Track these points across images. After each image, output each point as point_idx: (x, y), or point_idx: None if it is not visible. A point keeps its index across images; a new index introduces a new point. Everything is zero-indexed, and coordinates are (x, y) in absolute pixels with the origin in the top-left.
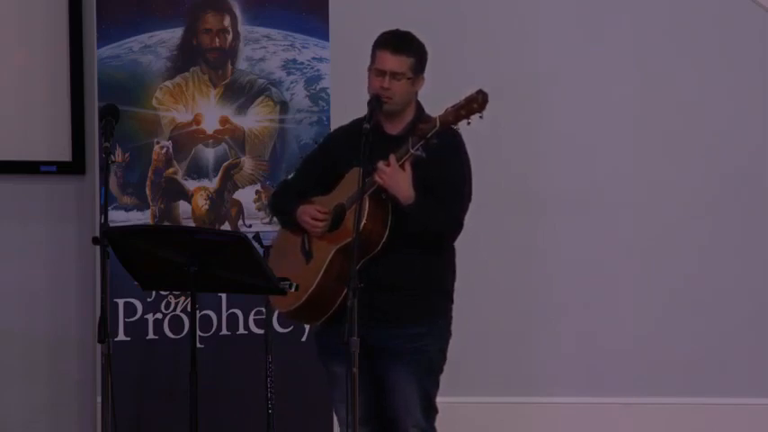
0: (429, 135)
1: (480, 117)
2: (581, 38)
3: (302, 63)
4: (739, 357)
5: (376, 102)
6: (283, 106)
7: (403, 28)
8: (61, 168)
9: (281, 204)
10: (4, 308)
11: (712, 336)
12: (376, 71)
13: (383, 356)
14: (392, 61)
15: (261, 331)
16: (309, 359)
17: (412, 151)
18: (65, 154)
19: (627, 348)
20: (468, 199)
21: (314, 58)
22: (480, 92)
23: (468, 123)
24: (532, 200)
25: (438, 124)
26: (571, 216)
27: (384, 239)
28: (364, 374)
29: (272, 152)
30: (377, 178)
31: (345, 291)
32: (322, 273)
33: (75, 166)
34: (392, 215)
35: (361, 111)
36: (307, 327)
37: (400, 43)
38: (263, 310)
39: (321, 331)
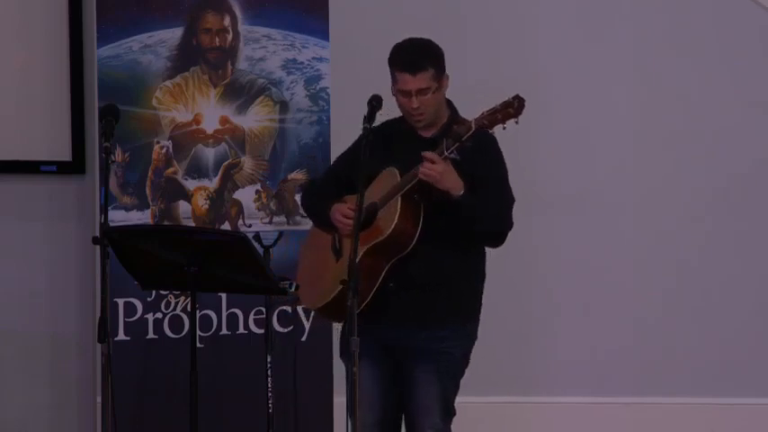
0: (464, 138)
1: (516, 122)
2: (581, 38)
3: (302, 63)
4: (739, 357)
5: (377, 101)
6: (283, 106)
7: (403, 28)
8: (61, 168)
9: (314, 203)
10: (4, 308)
11: (712, 336)
12: (401, 92)
13: (408, 356)
14: (414, 82)
15: (261, 331)
16: (309, 359)
17: (446, 154)
18: (65, 154)
19: (627, 348)
20: (513, 198)
21: (314, 58)
22: (517, 97)
23: (504, 128)
24: (532, 200)
25: (473, 127)
26: (571, 216)
27: (414, 240)
28: (387, 375)
29: (272, 152)
30: (423, 175)
31: (375, 289)
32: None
33: (75, 166)
34: (423, 215)
35: (362, 110)
36: (307, 326)
37: (416, 62)
38: (263, 309)
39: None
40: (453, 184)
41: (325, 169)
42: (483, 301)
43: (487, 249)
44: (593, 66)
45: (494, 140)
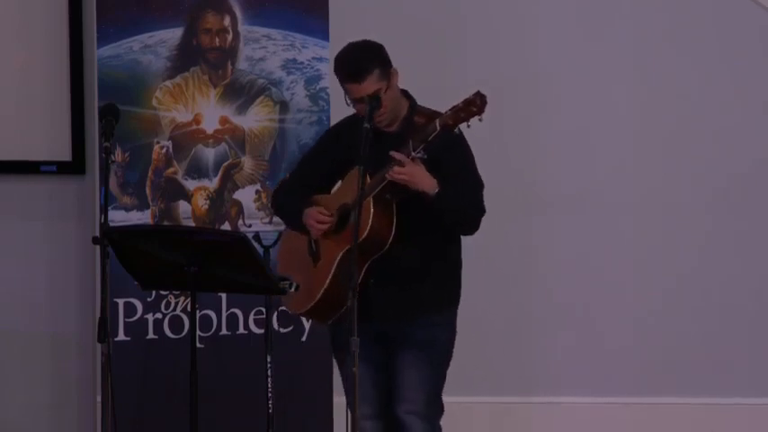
0: (430, 138)
1: (480, 120)
2: (581, 38)
3: (302, 63)
4: (739, 357)
5: (375, 101)
6: (283, 106)
7: (403, 28)
8: (61, 168)
9: (286, 205)
10: (4, 308)
11: (712, 335)
12: (353, 100)
13: (394, 346)
14: (362, 89)
15: (261, 331)
16: (309, 359)
17: (413, 154)
18: (65, 154)
19: (627, 348)
20: (482, 185)
21: (314, 58)
22: (478, 94)
23: (468, 126)
24: (532, 200)
25: (438, 127)
26: (571, 216)
27: (390, 239)
28: (380, 368)
29: (272, 152)
30: (397, 177)
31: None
32: (331, 276)
33: (75, 166)
34: (396, 213)
35: None
36: (307, 326)
37: (359, 68)
38: (263, 309)
39: (334, 329)
40: (427, 184)
41: (292, 171)
42: (482, 302)
43: (489, 249)
44: (593, 65)
45: (458, 134)
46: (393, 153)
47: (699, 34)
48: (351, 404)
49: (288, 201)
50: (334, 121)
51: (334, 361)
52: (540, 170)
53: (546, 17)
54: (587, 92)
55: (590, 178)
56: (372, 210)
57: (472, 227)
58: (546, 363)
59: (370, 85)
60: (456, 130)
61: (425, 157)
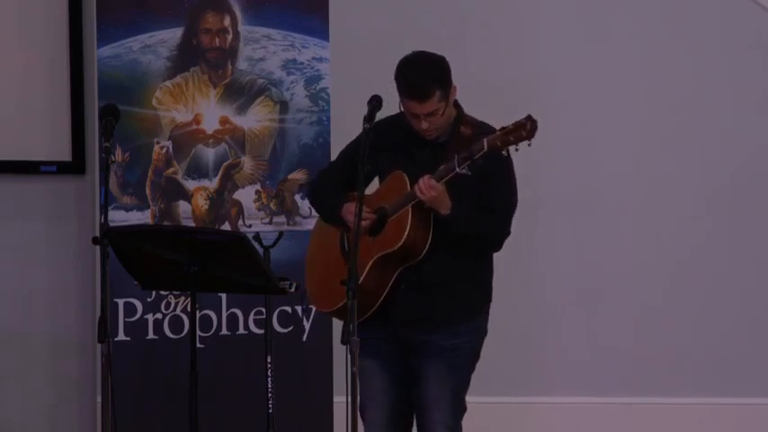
0: (475, 157)
1: (528, 144)
2: (581, 38)
3: (302, 63)
4: (739, 357)
5: (376, 102)
6: (283, 106)
7: (403, 28)
8: (61, 168)
9: (324, 196)
10: (4, 308)
11: (712, 336)
12: (409, 113)
13: (419, 352)
14: (422, 108)
15: (261, 331)
16: (309, 359)
17: (458, 170)
18: (65, 154)
19: (627, 348)
20: (515, 206)
21: (314, 58)
22: (529, 118)
23: (516, 149)
24: (532, 200)
25: (486, 147)
26: (571, 216)
27: (426, 249)
28: (399, 374)
29: (272, 152)
30: (419, 194)
31: (385, 293)
32: (363, 278)
33: (75, 166)
34: (434, 224)
35: (362, 110)
36: (307, 326)
37: (423, 89)
38: (263, 310)
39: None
40: (440, 205)
41: (330, 163)
42: None
43: None
44: (593, 66)
45: (505, 156)
46: (423, 180)
47: (699, 34)
48: (362, 409)
49: (326, 192)
50: (334, 121)
51: (334, 361)
52: (541, 170)
53: (546, 17)
54: (587, 92)
55: (590, 178)
56: (410, 220)
57: (489, 249)
58: (546, 363)
59: (431, 105)
60: (504, 152)
61: (469, 173)
